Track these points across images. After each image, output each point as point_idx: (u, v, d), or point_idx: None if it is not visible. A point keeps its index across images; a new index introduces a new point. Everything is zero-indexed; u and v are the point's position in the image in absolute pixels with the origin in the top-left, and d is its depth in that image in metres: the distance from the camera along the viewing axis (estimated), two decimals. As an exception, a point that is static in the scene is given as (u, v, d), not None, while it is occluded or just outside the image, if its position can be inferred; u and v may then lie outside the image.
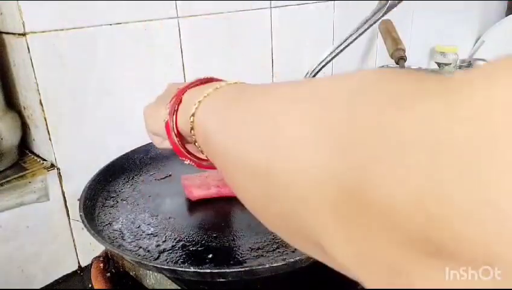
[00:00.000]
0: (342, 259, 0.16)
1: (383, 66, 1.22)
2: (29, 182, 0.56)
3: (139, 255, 0.44)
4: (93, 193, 0.54)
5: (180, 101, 0.33)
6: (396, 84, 0.16)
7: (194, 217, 0.51)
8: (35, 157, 0.60)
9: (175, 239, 0.47)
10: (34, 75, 0.54)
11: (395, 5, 0.54)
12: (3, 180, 0.54)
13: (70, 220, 0.61)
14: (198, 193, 0.52)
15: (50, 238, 0.59)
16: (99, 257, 0.54)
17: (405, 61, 1.08)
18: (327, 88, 0.19)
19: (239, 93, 0.28)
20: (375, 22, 0.57)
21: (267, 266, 0.38)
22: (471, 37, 1.62)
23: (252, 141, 0.21)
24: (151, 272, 0.48)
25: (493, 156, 0.11)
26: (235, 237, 0.47)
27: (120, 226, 0.50)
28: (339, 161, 0.15)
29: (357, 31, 0.56)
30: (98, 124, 0.62)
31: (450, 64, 1.35)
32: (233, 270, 0.39)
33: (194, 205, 0.53)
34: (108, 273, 0.52)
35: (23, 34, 0.52)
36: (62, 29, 0.55)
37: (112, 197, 0.56)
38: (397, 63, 1.08)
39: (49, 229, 0.59)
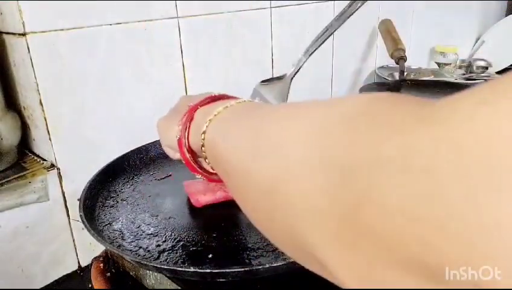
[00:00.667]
0: (344, 279, 0.17)
1: (382, 66, 1.22)
2: (29, 182, 0.56)
3: (139, 255, 0.44)
4: (93, 193, 0.54)
5: (192, 119, 0.35)
6: (392, 110, 0.16)
7: (194, 217, 0.51)
8: (35, 157, 0.60)
9: (175, 239, 0.47)
10: (34, 75, 0.54)
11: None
12: (3, 180, 0.54)
13: (70, 220, 0.61)
14: (205, 200, 0.51)
15: (50, 238, 0.59)
16: (99, 257, 0.54)
17: (405, 61, 1.07)
18: (325, 112, 0.19)
19: (247, 112, 0.29)
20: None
21: (267, 266, 0.38)
22: (471, 37, 1.62)
23: (257, 159, 0.22)
24: (151, 272, 0.48)
25: (492, 185, 0.11)
26: (235, 237, 0.47)
27: (120, 226, 0.50)
28: (339, 187, 0.15)
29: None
30: (98, 124, 0.62)
31: (450, 64, 1.35)
32: (233, 270, 0.39)
33: (194, 206, 0.53)
34: (108, 273, 0.52)
35: (23, 34, 0.52)
36: (62, 29, 0.55)
37: (112, 197, 0.56)
38: (397, 63, 1.08)
39: (49, 229, 0.59)
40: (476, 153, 0.11)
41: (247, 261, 0.43)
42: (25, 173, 0.56)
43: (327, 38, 0.58)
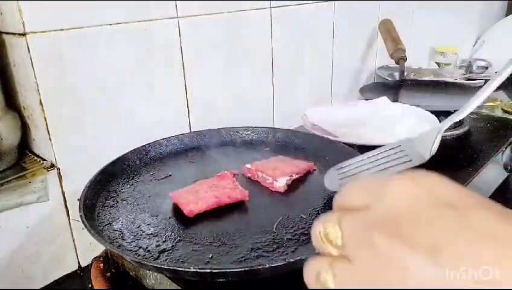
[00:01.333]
0: None
1: (382, 67, 1.22)
2: (29, 182, 0.56)
3: (139, 255, 0.44)
4: (93, 193, 0.54)
5: None
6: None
7: (194, 217, 0.51)
8: (35, 157, 0.60)
9: (175, 239, 0.47)
10: (34, 75, 0.54)
11: None
12: (3, 180, 0.54)
13: (70, 220, 0.61)
14: (197, 208, 0.51)
15: (50, 238, 0.59)
16: (99, 257, 0.54)
17: (405, 61, 1.08)
18: None
19: None
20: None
21: (267, 266, 0.38)
22: (471, 37, 1.62)
23: None
24: (151, 272, 0.48)
25: None
26: (235, 237, 0.47)
27: (120, 226, 0.50)
28: None
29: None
30: (98, 124, 0.62)
31: (450, 64, 1.35)
32: (233, 270, 0.39)
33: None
34: (108, 273, 0.52)
35: (23, 34, 0.52)
36: (62, 29, 0.55)
37: (112, 197, 0.56)
38: (397, 63, 1.08)
39: (49, 229, 0.59)
40: None
41: (247, 261, 0.43)
42: (25, 173, 0.56)
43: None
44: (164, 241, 0.47)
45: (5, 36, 0.56)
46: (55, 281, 0.61)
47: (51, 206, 0.59)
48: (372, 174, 0.42)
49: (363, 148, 0.71)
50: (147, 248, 0.46)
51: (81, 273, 0.63)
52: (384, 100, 0.88)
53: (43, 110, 0.56)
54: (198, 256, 0.44)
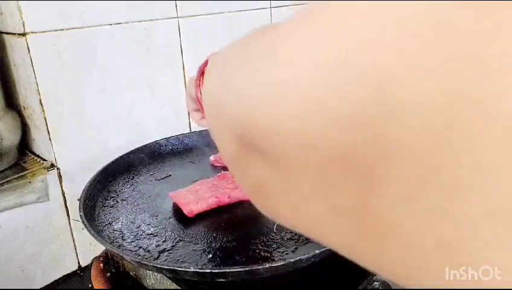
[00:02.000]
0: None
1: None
2: (29, 182, 0.56)
3: (139, 255, 0.44)
4: (93, 193, 0.54)
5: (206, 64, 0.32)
6: None
7: (194, 217, 0.51)
8: (35, 157, 0.60)
9: (175, 239, 0.47)
10: (34, 75, 0.54)
11: None
12: (3, 180, 0.54)
13: (70, 220, 0.61)
14: (197, 208, 0.51)
15: (50, 238, 0.59)
16: (99, 257, 0.54)
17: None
18: None
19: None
20: None
21: (267, 266, 0.38)
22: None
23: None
24: (151, 272, 0.48)
25: None
26: (234, 237, 0.47)
27: (120, 226, 0.50)
28: None
29: None
30: (98, 124, 0.62)
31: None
32: (233, 270, 0.39)
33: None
34: (108, 273, 0.52)
35: (23, 34, 0.52)
36: (62, 29, 0.55)
37: (112, 197, 0.56)
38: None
39: (49, 229, 0.59)
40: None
41: (247, 261, 0.43)
42: (25, 173, 0.56)
43: None
44: (164, 241, 0.47)
45: (5, 36, 0.56)
46: (55, 281, 0.61)
47: (51, 206, 0.59)
48: None
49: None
50: (147, 248, 0.46)
51: (81, 273, 0.63)
52: None
53: (43, 110, 0.56)
54: (198, 256, 0.44)
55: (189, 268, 0.39)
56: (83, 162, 0.60)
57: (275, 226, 0.49)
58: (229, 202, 0.53)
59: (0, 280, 0.55)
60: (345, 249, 0.13)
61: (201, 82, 0.35)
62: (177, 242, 0.47)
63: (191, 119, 0.75)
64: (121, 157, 0.62)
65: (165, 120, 0.71)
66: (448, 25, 0.09)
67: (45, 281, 0.60)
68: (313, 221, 0.14)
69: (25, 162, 0.59)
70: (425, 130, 0.10)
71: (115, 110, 0.64)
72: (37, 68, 0.54)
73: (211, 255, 0.44)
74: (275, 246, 0.45)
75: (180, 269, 0.40)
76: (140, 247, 0.46)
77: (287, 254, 0.44)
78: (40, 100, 0.55)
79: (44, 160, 0.59)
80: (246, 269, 0.39)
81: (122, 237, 0.48)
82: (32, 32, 0.52)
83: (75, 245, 0.63)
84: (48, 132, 0.57)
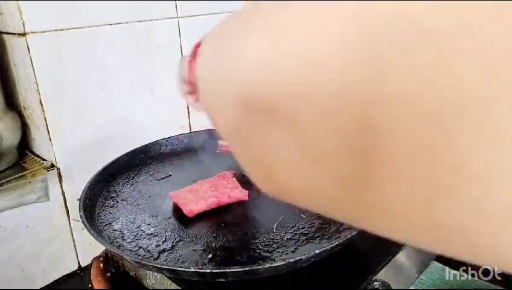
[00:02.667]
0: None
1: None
2: (29, 182, 0.56)
3: (139, 255, 0.44)
4: (93, 193, 0.54)
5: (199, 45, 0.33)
6: None
7: (194, 217, 0.51)
8: (35, 157, 0.60)
9: (175, 239, 0.47)
10: (34, 75, 0.54)
11: None
12: (3, 180, 0.54)
13: (70, 220, 0.61)
14: (197, 208, 0.51)
15: (50, 238, 0.59)
16: (99, 257, 0.54)
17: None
18: None
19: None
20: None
21: (267, 266, 0.38)
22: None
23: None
24: (151, 272, 0.48)
25: None
26: (234, 237, 0.47)
27: (120, 226, 0.50)
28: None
29: None
30: (98, 124, 0.62)
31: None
32: (233, 270, 0.39)
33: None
34: (108, 273, 0.52)
35: (23, 34, 0.52)
36: (62, 29, 0.55)
37: (112, 197, 0.56)
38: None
39: (49, 229, 0.59)
40: None
41: (247, 261, 0.43)
42: (25, 173, 0.56)
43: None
44: (164, 241, 0.47)
45: (5, 36, 0.56)
46: (55, 281, 0.61)
47: (51, 206, 0.59)
48: None
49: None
50: (147, 248, 0.46)
51: (81, 274, 0.63)
52: None
53: (43, 110, 0.56)
54: (198, 256, 0.44)
55: (189, 268, 0.39)
56: (83, 162, 0.60)
57: (275, 226, 0.49)
58: (229, 202, 0.53)
59: (0, 280, 0.55)
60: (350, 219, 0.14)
61: (194, 62, 0.34)
62: (177, 242, 0.47)
63: (191, 119, 0.75)
64: (121, 157, 0.62)
65: (165, 120, 0.71)
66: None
67: (45, 281, 0.60)
68: (324, 190, 0.14)
69: (25, 162, 0.59)
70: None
71: (115, 110, 0.64)
72: (37, 68, 0.54)
73: (211, 255, 0.44)
74: (275, 246, 0.45)
75: (180, 269, 0.40)
76: (140, 247, 0.46)
77: (287, 254, 0.44)
78: (40, 100, 0.55)
79: (44, 160, 0.59)
80: (246, 269, 0.39)
81: (122, 237, 0.48)
82: (32, 32, 0.52)
83: (75, 245, 0.63)
84: (48, 132, 0.57)
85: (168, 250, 0.45)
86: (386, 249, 0.51)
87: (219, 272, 0.39)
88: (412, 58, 0.10)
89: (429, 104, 0.10)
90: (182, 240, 0.47)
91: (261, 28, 0.15)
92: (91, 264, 0.54)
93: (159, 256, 0.44)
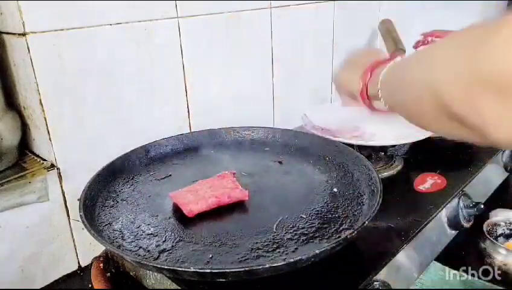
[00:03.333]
0: (496, 134, 0.29)
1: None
2: (29, 182, 0.56)
3: (139, 255, 0.44)
4: (93, 193, 0.54)
5: (371, 76, 0.53)
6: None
7: (194, 217, 0.51)
8: (35, 157, 0.60)
9: (175, 239, 0.47)
10: (34, 75, 0.54)
11: None
12: (3, 180, 0.54)
13: (70, 220, 0.61)
14: (197, 208, 0.51)
15: (50, 238, 0.59)
16: (99, 257, 0.54)
17: (405, 61, 1.07)
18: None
19: (403, 62, 0.47)
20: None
21: (267, 266, 0.38)
22: (471, 37, 1.62)
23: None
24: (151, 272, 0.48)
25: None
26: (235, 237, 0.47)
27: (120, 226, 0.50)
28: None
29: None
30: (98, 124, 0.62)
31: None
32: (233, 270, 0.39)
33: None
34: (108, 273, 0.52)
35: (23, 34, 0.52)
36: (62, 29, 0.55)
37: (112, 197, 0.56)
38: (397, 63, 1.08)
39: (49, 229, 0.59)
40: None
41: (247, 261, 0.43)
42: (25, 173, 0.56)
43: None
44: (164, 241, 0.47)
45: (5, 36, 0.56)
46: (55, 281, 0.61)
47: (51, 206, 0.59)
48: None
49: (364, 148, 0.71)
50: (147, 248, 0.46)
51: (81, 274, 0.63)
52: None
53: (43, 110, 0.56)
54: (198, 256, 0.44)
55: (189, 268, 0.39)
56: (83, 162, 0.60)
57: (274, 226, 0.49)
58: (229, 202, 0.53)
59: (0, 280, 0.55)
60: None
61: (370, 76, 0.53)
62: (177, 242, 0.47)
63: (191, 119, 0.75)
64: (121, 157, 0.62)
65: (165, 120, 0.71)
66: None
67: (45, 281, 0.60)
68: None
69: (25, 162, 0.59)
70: None
71: (115, 110, 0.64)
72: (37, 68, 0.54)
73: (210, 255, 0.44)
74: (275, 246, 0.45)
75: (180, 269, 0.40)
76: (140, 247, 0.46)
77: (287, 254, 0.44)
78: (40, 100, 0.55)
79: (44, 160, 0.59)
80: (246, 269, 0.39)
81: (122, 237, 0.48)
82: (32, 32, 0.52)
83: (75, 245, 0.63)
84: (48, 132, 0.57)
85: (168, 250, 0.45)
86: (386, 249, 0.51)
87: (219, 272, 0.39)
88: None
89: None
90: (182, 240, 0.47)
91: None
92: (91, 264, 0.54)
93: (159, 256, 0.44)
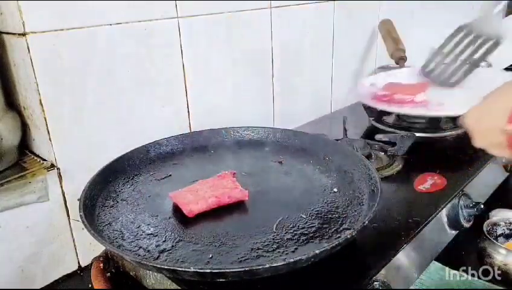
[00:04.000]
0: None
1: (382, 66, 1.22)
2: (29, 182, 0.56)
3: (139, 255, 0.44)
4: (93, 193, 0.54)
5: None
6: None
7: (194, 217, 0.51)
8: (35, 157, 0.60)
9: (175, 239, 0.47)
10: (34, 75, 0.54)
11: None
12: (3, 180, 0.54)
13: (70, 220, 0.61)
14: (197, 208, 0.51)
15: (50, 238, 0.59)
16: (99, 257, 0.54)
17: (405, 61, 1.07)
18: None
19: None
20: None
21: (267, 266, 0.38)
22: (471, 37, 1.62)
23: None
24: (151, 272, 0.48)
25: None
26: (235, 237, 0.47)
27: (120, 226, 0.50)
28: None
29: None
30: (98, 124, 0.62)
31: (450, 64, 1.35)
32: (233, 270, 0.39)
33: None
34: (108, 273, 0.52)
35: (23, 34, 0.52)
36: (62, 29, 0.55)
37: (112, 197, 0.56)
38: (397, 63, 1.08)
39: (49, 229, 0.59)
40: None
41: (247, 261, 0.43)
42: (25, 173, 0.56)
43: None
44: (164, 241, 0.47)
45: (5, 36, 0.56)
46: (55, 281, 0.61)
47: (51, 206, 0.59)
48: None
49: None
50: (147, 248, 0.46)
51: (81, 273, 0.63)
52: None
53: (43, 110, 0.56)
54: (198, 256, 0.44)
55: (189, 268, 0.39)
56: (83, 162, 0.60)
57: (274, 226, 0.49)
58: (229, 202, 0.53)
59: (0, 280, 0.55)
60: None
61: None
62: (177, 242, 0.47)
63: (191, 119, 0.75)
64: (121, 157, 0.62)
65: (165, 120, 0.71)
66: None
67: (45, 281, 0.60)
68: None
69: (25, 162, 0.59)
70: None
71: (115, 110, 0.64)
72: (37, 68, 0.54)
73: (210, 255, 0.44)
74: (275, 246, 0.45)
75: (180, 269, 0.40)
76: (140, 247, 0.46)
77: (287, 254, 0.44)
78: (40, 100, 0.55)
79: (44, 160, 0.59)
80: (246, 269, 0.39)
81: (122, 237, 0.48)
82: (32, 32, 0.52)
83: (75, 245, 0.63)
84: (48, 132, 0.57)
85: (168, 250, 0.45)
86: (386, 249, 0.51)
87: (219, 272, 0.39)
88: None
89: None
90: (182, 240, 0.47)
91: None
92: (91, 264, 0.54)
93: (159, 256, 0.44)
